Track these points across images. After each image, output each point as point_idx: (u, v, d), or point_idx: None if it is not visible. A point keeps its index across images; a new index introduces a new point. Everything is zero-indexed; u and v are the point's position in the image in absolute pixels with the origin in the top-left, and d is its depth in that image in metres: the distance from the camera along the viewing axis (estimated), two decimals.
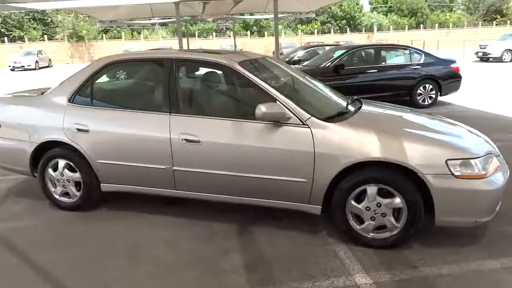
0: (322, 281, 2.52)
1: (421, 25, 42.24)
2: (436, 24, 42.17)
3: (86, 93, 3.51)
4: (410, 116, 3.51)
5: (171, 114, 3.16)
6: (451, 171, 2.63)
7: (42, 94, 3.77)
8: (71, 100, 3.47)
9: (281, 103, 2.91)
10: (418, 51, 9.23)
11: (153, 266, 2.75)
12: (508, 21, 42.78)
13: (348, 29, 41.25)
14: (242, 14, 23.64)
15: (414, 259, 2.73)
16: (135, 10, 18.11)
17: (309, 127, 2.86)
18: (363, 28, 41.43)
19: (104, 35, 38.72)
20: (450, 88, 8.83)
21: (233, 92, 3.55)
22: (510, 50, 20.86)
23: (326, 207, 2.96)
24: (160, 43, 35.03)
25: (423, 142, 2.75)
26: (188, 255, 2.88)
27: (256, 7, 17.66)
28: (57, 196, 3.65)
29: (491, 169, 2.74)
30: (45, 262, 2.84)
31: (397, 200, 2.74)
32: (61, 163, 3.53)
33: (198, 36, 38.80)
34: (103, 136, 3.34)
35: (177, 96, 3.22)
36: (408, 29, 41.17)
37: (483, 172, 2.67)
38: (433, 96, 8.61)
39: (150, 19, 23.56)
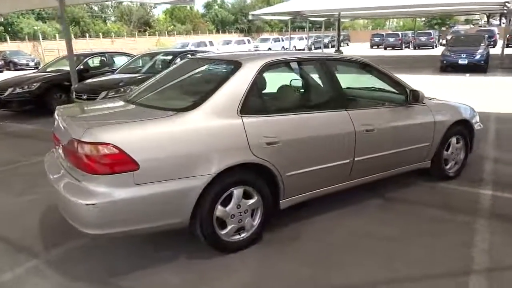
0: (474, 201, 3.78)
1: (87, 34, 42.46)
2: (101, 34, 43.65)
3: (256, 100, 2.94)
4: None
5: (347, 109, 3.32)
6: (476, 120, 4.47)
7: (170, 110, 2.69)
8: (244, 111, 2.80)
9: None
10: None
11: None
12: (157, 32, 50.08)
13: (8, 37, 35.93)
14: None
15: (476, 179, 4.36)
16: None
17: (425, 104, 3.92)
18: (26, 36, 37.28)
19: None
20: None
21: (377, 84, 3.94)
22: None
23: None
24: None
25: (465, 107, 4.45)
26: (396, 222, 3.38)
27: None
28: (227, 238, 2.84)
29: None
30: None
31: (462, 143, 4.31)
32: (237, 192, 2.80)
33: None
34: (293, 145, 2.99)
35: (344, 94, 3.38)
36: (74, 37, 40.37)
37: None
38: None
39: None
